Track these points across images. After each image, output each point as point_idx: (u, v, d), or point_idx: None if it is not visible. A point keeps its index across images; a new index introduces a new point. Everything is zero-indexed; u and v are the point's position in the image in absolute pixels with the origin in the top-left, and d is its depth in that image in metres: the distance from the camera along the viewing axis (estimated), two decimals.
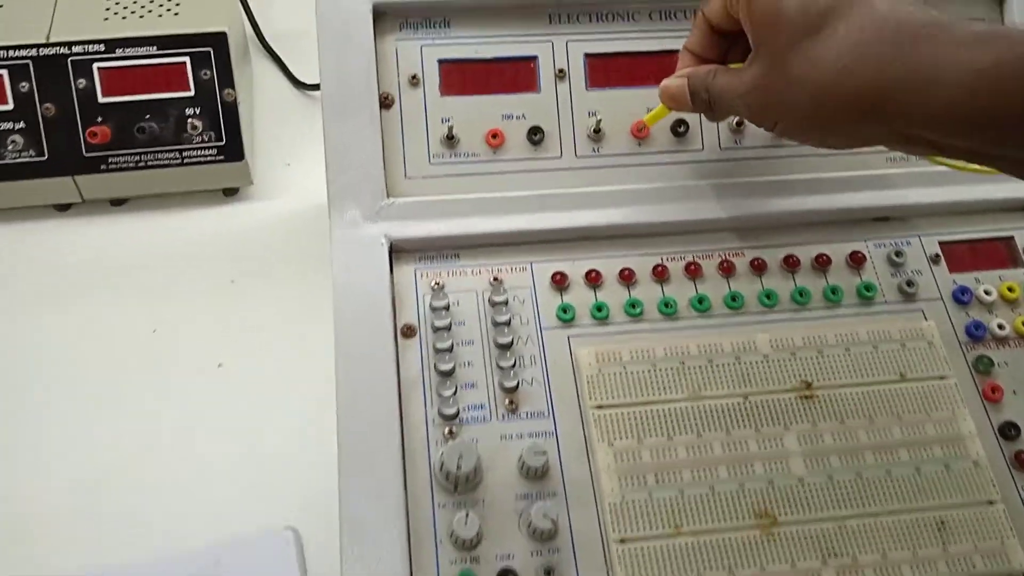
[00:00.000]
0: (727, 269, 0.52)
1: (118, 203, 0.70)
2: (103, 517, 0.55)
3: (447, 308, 0.50)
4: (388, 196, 0.51)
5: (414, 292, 0.50)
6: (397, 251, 0.51)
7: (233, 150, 0.67)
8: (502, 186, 0.53)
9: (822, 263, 0.53)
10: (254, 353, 0.62)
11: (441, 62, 0.53)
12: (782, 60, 0.41)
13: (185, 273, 0.67)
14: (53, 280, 0.66)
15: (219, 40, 0.66)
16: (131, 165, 0.66)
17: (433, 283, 0.51)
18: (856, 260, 0.53)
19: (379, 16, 0.52)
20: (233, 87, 0.66)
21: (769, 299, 0.51)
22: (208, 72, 0.66)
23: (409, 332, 0.49)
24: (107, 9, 0.67)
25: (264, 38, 0.82)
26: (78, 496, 0.56)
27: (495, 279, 0.51)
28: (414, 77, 0.53)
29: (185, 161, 0.67)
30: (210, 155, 0.67)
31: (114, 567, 0.53)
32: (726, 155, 0.54)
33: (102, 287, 0.66)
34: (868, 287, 0.52)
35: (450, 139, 0.52)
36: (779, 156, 0.54)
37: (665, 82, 0.48)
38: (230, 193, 0.71)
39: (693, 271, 0.52)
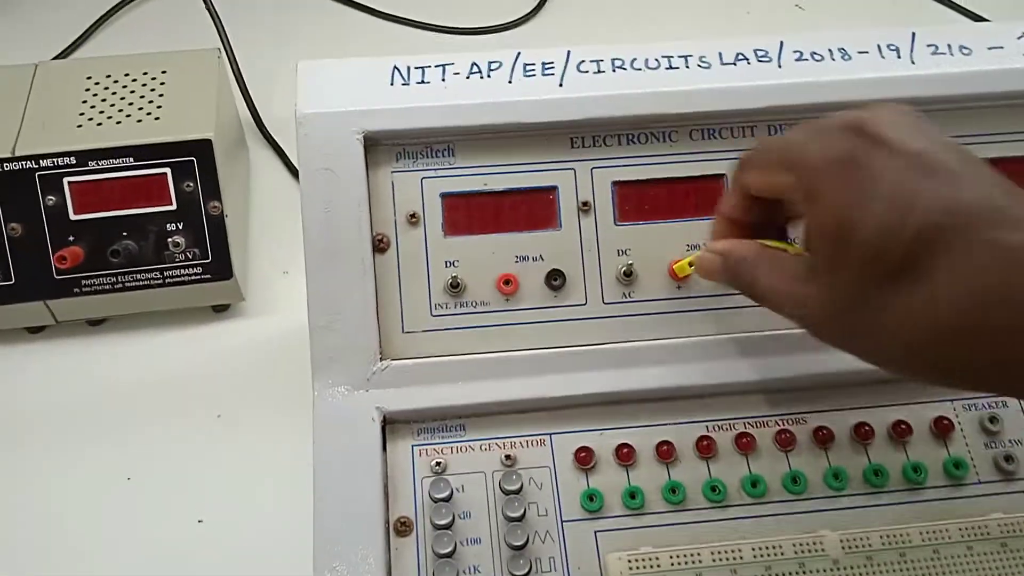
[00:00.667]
0: (786, 442, 0.44)
1: (96, 323, 0.63)
2: None
3: (449, 498, 0.42)
4: (382, 358, 0.44)
5: (411, 475, 0.43)
6: (391, 422, 0.44)
7: (220, 268, 0.60)
8: (516, 342, 0.45)
9: (900, 433, 0.44)
10: (240, 507, 0.55)
11: (444, 196, 0.45)
12: (856, 295, 0.33)
13: (166, 407, 0.59)
14: (20, 414, 0.59)
15: (203, 148, 0.59)
16: (107, 287, 0.59)
17: (434, 463, 0.43)
18: (942, 428, 0.44)
19: (371, 145, 0.45)
20: (220, 199, 0.59)
21: (838, 479, 0.43)
22: (191, 184, 0.59)
23: (404, 529, 0.41)
24: (81, 115, 0.60)
25: (264, 126, 0.75)
26: None
27: (507, 457, 0.43)
28: (413, 215, 0.45)
29: (167, 281, 0.60)
30: (195, 274, 0.60)
31: None
32: None
33: (75, 423, 0.59)
34: (958, 463, 0.43)
35: (455, 287, 0.45)
36: None
37: (699, 256, 0.41)
38: (220, 309, 0.64)
39: (745, 445, 0.43)
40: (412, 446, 0.44)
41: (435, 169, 0.45)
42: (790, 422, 0.44)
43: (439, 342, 0.45)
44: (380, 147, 0.45)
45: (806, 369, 0.44)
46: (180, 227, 0.59)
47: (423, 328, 0.45)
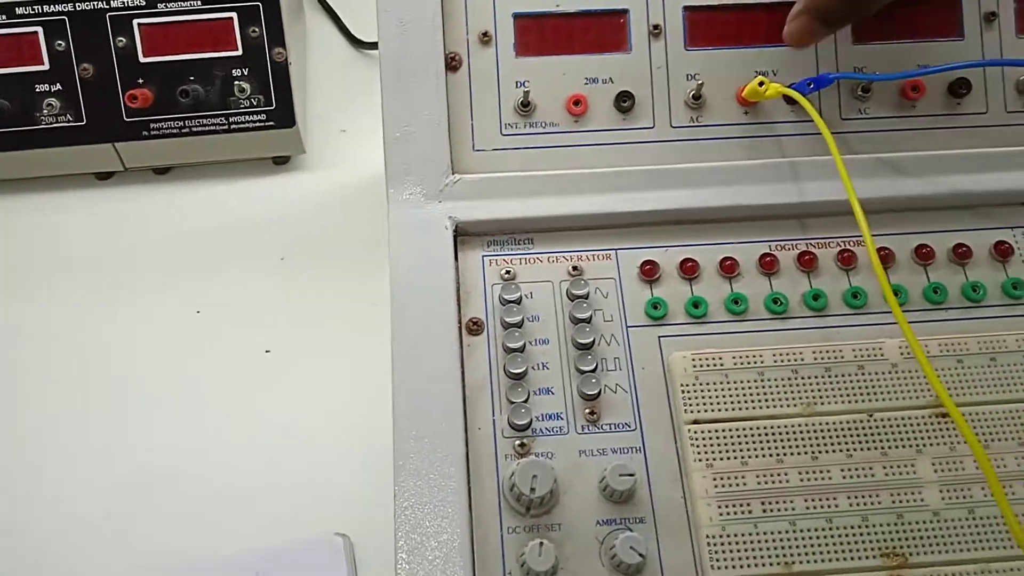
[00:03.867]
0: (847, 260, 0.45)
1: (162, 171, 0.65)
2: (140, 519, 0.51)
3: (519, 301, 0.43)
4: (453, 172, 0.45)
5: (482, 282, 0.44)
6: (463, 234, 0.45)
7: (283, 115, 0.61)
8: (584, 161, 0.46)
9: (961, 255, 0.45)
10: (304, 339, 0.57)
11: (516, 16, 0.46)
12: None
13: (232, 249, 0.62)
14: (92, 255, 0.61)
15: None
16: (174, 131, 0.61)
17: (504, 271, 0.44)
18: (1001, 252, 0.45)
19: None
20: (284, 46, 0.60)
21: (898, 296, 0.44)
22: (257, 30, 0.60)
23: (476, 328, 0.43)
24: None
25: None
26: (112, 497, 0.52)
27: (574, 268, 0.44)
28: (485, 34, 0.46)
29: (232, 127, 0.61)
30: (259, 121, 0.61)
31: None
32: (849, 127, 0.46)
33: (144, 262, 0.61)
34: (1016, 284, 0.44)
35: (525, 106, 0.46)
36: (911, 128, 0.46)
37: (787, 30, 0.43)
38: (281, 162, 0.66)
39: (807, 262, 0.44)
40: (482, 256, 0.45)
41: None
42: (851, 244, 0.45)
43: (508, 160, 0.46)
44: None
45: (870, 193, 0.45)
46: (245, 73, 0.60)
47: (493, 147, 0.46)
